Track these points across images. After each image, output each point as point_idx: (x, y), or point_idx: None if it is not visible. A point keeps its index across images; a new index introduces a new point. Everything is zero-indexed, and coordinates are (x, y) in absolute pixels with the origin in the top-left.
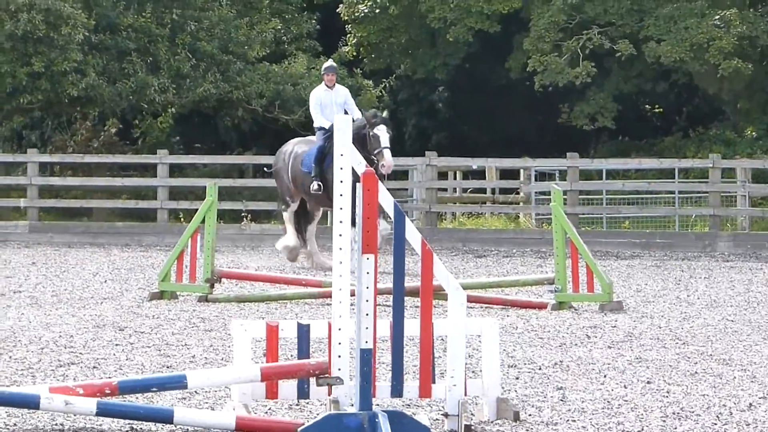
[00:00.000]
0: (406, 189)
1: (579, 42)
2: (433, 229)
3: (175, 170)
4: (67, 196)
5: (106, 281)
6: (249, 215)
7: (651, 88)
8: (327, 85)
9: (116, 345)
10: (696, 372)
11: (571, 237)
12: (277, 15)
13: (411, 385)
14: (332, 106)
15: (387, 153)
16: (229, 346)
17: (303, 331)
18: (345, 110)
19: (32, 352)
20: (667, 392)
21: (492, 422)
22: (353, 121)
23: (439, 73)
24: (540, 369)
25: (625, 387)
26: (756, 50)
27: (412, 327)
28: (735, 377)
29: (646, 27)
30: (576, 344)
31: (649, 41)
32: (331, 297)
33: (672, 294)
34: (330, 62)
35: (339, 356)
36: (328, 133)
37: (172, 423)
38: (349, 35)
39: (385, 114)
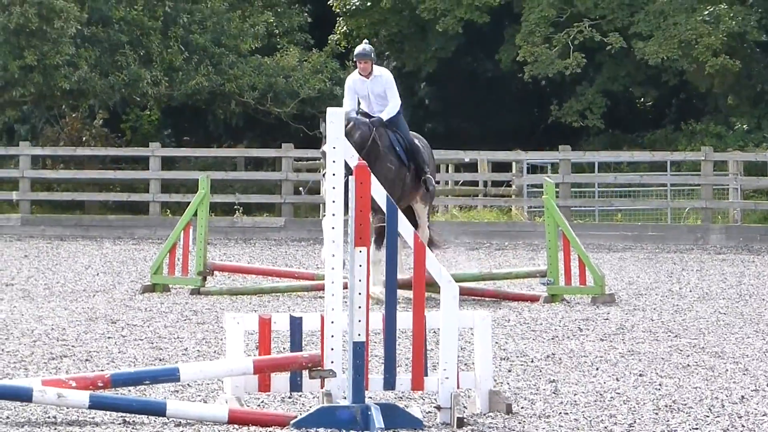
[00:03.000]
0: None
1: (570, 35)
2: None
3: (167, 163)
4: (59, 189)
5: (98, 274)
6: (241, 208)
7: (641, 83)
8: (361, 74)
9: (109, 338)
10: (688, 365)
11: (563, 229)
12: (269, 8)
13: (403, 377)
14: (370, 98)
15: None
16: (221, 339)
17: (296, 324)
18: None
19: (25, 345)
20: (660, 385)
21: (484, 415)
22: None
23: (428, 65)
24: (532, 362)
25: (617, 380)
26: (744, 46)
27: (404, 320)
28: (727, 370)
29: (636, 22)
30: (568, 337)
31: (637, 38)
32: (323, 290)
33: (664, 286)
34: (363, 46)
35: (332, 349)
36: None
37: (164, 416)
38: (338, 25)
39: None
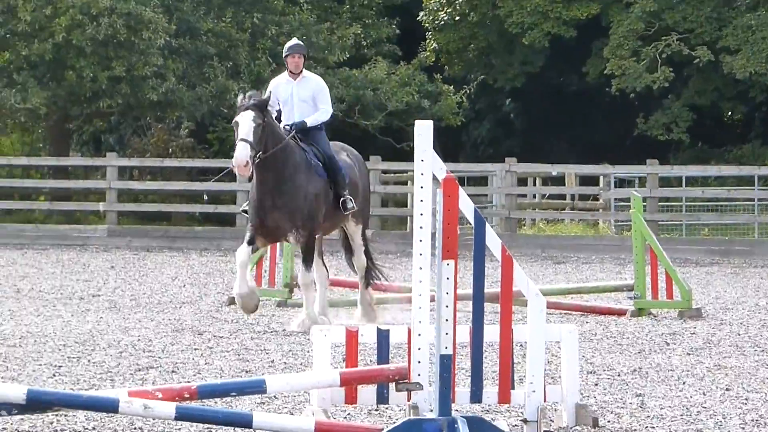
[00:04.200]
0: (486, 195)
1: (657, 48)
2: (513, 235)
3: None
4: (146, 200)
5: (184, 285)
6: None
7: (729, 97)
8: (291, 71)
9: (195, 349)
10: None
11: (650, 243)
12: (357, 20)
13: (490, 390)
14: (294, 102)
15: (238, 147)
16: (308, 351)
17: (382, 337)
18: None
19: (111, 356)
20: (746, 400)
21: (571, 428)
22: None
23: (517, 81)
24: (619, 375)
25: (704, 394)
26: None
27: (491, 333)
28: None
29: (724, 36)
30: (655, 351)
31: (725, 52)
32: (411, 302)
33: (751, 301)
34: (296, 40)
35: (419, 362)
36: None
37: (251, 427)
38: (428, 41)
39: (267, 96)
